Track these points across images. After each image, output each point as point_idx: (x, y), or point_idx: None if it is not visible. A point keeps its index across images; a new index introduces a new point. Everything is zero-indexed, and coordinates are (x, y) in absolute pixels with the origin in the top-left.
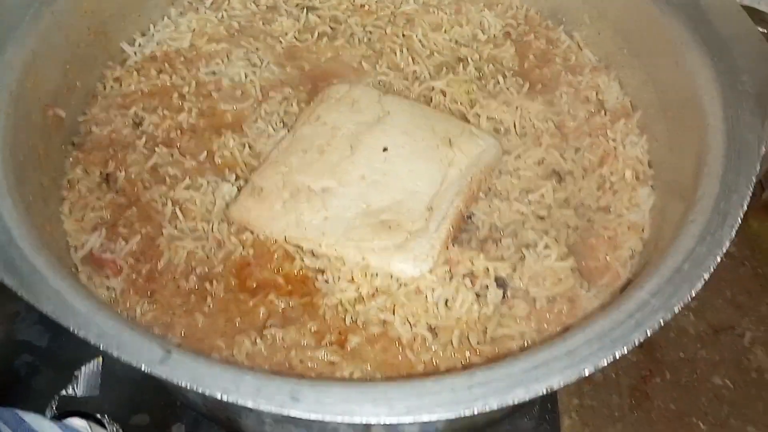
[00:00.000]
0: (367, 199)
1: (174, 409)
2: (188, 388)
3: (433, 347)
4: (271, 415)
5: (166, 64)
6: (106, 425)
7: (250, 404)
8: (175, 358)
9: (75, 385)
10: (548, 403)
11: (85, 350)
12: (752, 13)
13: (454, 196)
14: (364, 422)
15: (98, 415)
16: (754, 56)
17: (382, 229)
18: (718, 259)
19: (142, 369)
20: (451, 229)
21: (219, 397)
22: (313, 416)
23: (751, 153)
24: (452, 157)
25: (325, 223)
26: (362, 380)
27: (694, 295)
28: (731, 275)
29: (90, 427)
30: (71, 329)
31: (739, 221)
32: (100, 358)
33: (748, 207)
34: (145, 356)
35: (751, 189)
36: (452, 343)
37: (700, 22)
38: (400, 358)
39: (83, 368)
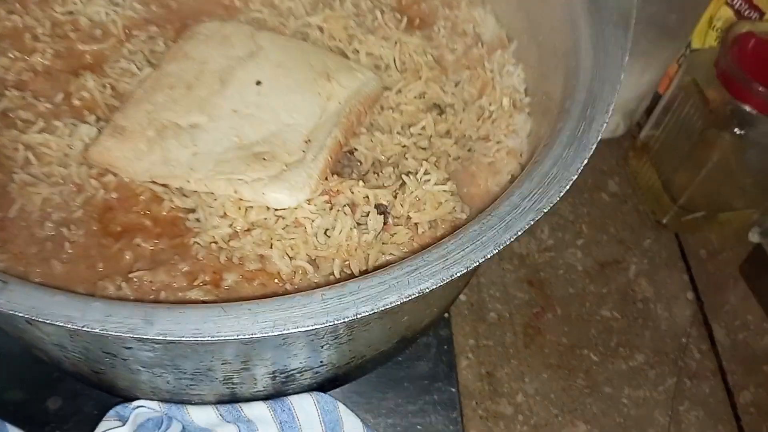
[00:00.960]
0: (240, 132)
1: (49, 383)
2: (27, 318)
3: (314, 279)
4: (139, 359)
5: (17, 5)
6: None
7: (97, 329)
8: (12, 287)
9: None
10: (444, 345)
11: None
12: None
13: (332, 127)
14: (225, 339)
15: None
16: None
17: (256, 161)
18: (585, 162)
19: None
20: (330, 159)
21: (62, 324)
22: (169, 338)
23: (615, 63)
24: (330, 91)
25: (194, 159)
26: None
27: (561, 195)
28: (615, 213)
29: None
30: None
31: (605, 125)
32: None
33: (627, 148)
34: None
35: (615, 95)
36: (334, 274)
37: None
38: (280, 293)
39: None
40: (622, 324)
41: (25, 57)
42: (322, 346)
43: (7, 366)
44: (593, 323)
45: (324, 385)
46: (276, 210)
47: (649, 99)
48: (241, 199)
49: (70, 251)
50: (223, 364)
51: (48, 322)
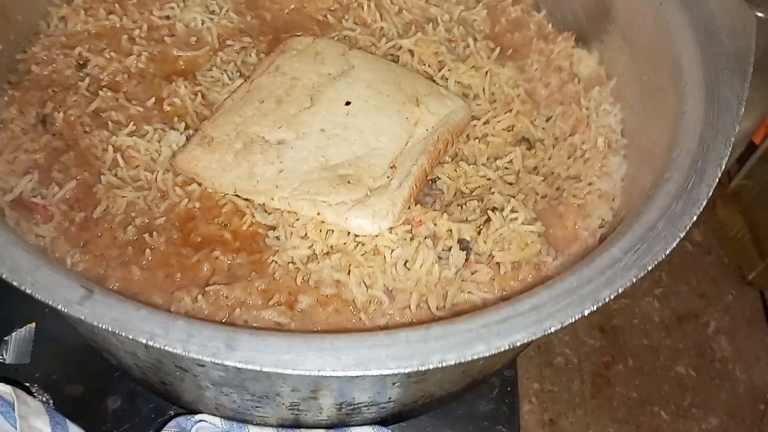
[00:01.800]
0: (326, 152)
1: (110, 381)
2: (110, 332)
3: (389, 311)
4: (209, 377)
5: (117, 5)
6: (35, 395)
7: (179, 350)
8: (97, 298)
9: (4, 352)
10: (508, 387)
11: (18, 315)
12: None
13: (419, 155)
14: (306, 374)
15: (27, 384)
16: (734, 19)
17: (341, 184)
18: (695, 218)
19: (60, 309)
20: (415, 188)
21: (145, 342)
22: (250, 366)
23: (730, 113)
24: (419, 116)
25: (279, 176)
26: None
27: (668, 253)
28: (697, 263)
29: (15, 393)
30: None
31: (717, 179)
32: (33, 324)
33: (716, 195)
34: (63, 295)
35: (730, 149)
36: (410, 308)
37: None
38: (353, 321)
39: (14, 334)
40: (697, 382)
41: (121, 58)
42: (393, 384)
43: (70, 358)
44: (666, 379)
45: (387, 419)
46: (357, 236)
47: (742, 147)
48: (323, 222)
49: (150, 258)
50: (292, 391)
51: (131, 338)
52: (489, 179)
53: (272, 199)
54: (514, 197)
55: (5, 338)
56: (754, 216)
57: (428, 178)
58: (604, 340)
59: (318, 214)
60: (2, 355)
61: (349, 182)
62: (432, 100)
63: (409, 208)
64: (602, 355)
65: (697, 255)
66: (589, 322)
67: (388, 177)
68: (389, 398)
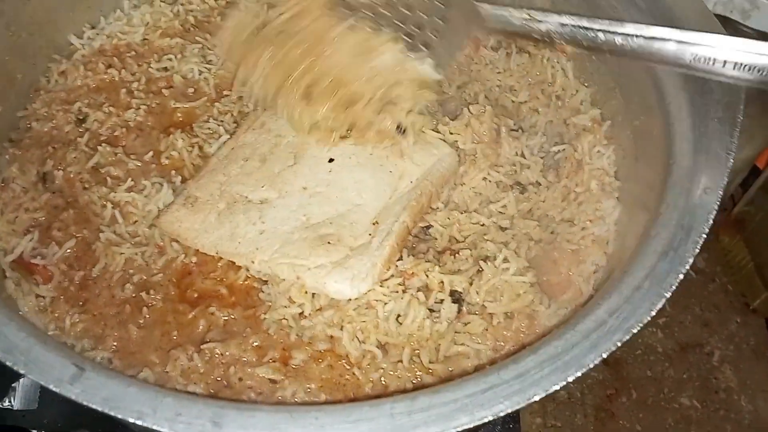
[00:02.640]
0: (308, 211)
1: (115, 427)
2: (101, 411)
3: (382, 365)
4: None
5: (116, 59)
6: None
7: (166, 429)
8: (88, 376)
9: (12, 398)
10: (510, 424)
11: None
12: (725, 22)
13: (401, 211)
14: None
15: (33, 430)
16: None
17: (320, 245)
18: (680, 277)
19: (52, 389)
20: (396, 245)
21: (133, 421)
22: None
23: (719, 165)
24: (403, 169)
25: (260, 237)
26: (302, 402)
27: (653, 315)
28: (701, 291)
29: None
30: None
31: (704, 237)
32: None
33: (719, 222)
34: (55, 375)
35: (718, 203)
36: (402, 362)
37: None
38: (347, 376)
39: (21, 381)
40: (702, 414)
41: (120, 112)
42: None
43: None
44: (671, 411)
45: None
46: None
47: (745, 173)
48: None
49: (147, 316)
50: None
51: (120, 417)
52: (482, 225)
53: (252, 262)
54: (506, 245)
55: (13, 385)
56: (757, 243)
57: (422, 225)
58: (607, 372)
59: (297, 278)
60: (10, 402)
61: (329, 242)
62: (417, 150)
63: (401, 259)
64: (605, 388)
65: (700, 283)
66: None
67: (370, 234)
68: None
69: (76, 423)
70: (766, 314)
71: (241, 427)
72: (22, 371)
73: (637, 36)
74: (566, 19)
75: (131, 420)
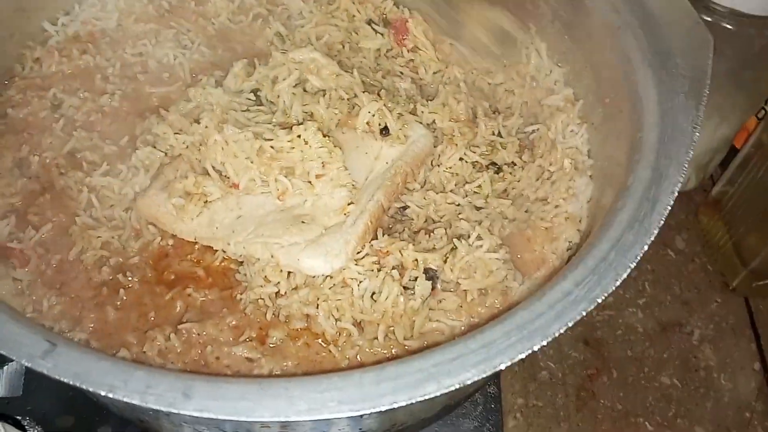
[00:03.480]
0: (284, 195)
1: (100, 412)
2: (72, 384)
3: (358, 343)
4: (181, 417)
5: (90, 45)
6: (27, 427)
7: (137, 401)
8: (60, 351)
9: None
10: (492, 404)
11: None
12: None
13: (375, 190)
14: (260, 421)
15: (18, 417)
16: (690, 40)
17: (294, 225)
18: (645, 248)
19: (24, 364)
20: (370, 224)
21: (104, 394)
22: (205, 415)
23: (684, 138)
24: (379, 149)
25: (237, 222)
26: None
27: (618, 285)
28: (681, 271)
29: (5, 428)
30: None
31: (669, 208)
32: None
33: (698, 203)
34: (27, 350)
35: (683, 175)
36: (378, 338)
37: (636, 4)
38: (323, 354)
39: (6, 368)
40: (682, 393)
41: (95, 98)
42: (362, 416)
43: (61, 391)
44: (651, 390)
45: None
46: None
47: (724, 152)
48: (278, 263)
49: (124, 298)
50: (262, 427)
51: (91, 390)
52: (458, 205)
53: (228, 244)
54: (480, 224)
55: None
56: (735, 222)
57: (398, 206)
58: (588, 352)
59: (272, 256)
60: None
61: (303, 222)
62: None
63: (377, 238)
64: (586, 368)
65: (680, 263)
66: (573, 334)
67: (345, 214)
68: (360, 429)
69: (61, 410)
70: (744, 294)
71: (211, 398)
72: None
73: None
74: None
75: (102, 393)
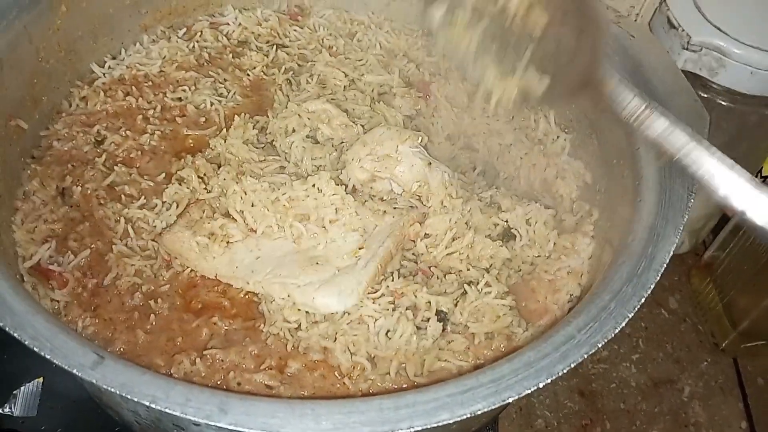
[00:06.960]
0: (300, 239)
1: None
2: (118, 394)
3: (371, 377)
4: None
5: (134, 87)
6: None
7: (177, 412)
8: (107, 364)
9: (12, 405)
10: None
11: (26, 370)
12: (694, 79)
13: (386, 238)
14: None
15: None
16: (688, 111)
17: (310, 266)
18: (643, 300)
19: (75, 373)
20: (380, 267)
21: (147, 404)
22: (240, 428)
23: (680, 203)
24: (387, 206)
25: (256, 262)
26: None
27: (617, 331)
28: (673, 330)
29: None
30: (5, 327)
31: (665, 265)
32: (41, 379)
33: (691, 266)
34: (78, 360)
35: (678, 236)
36: (390, 374)
37: (641, 80)
38: (338, 385)
39: (22, 388)
40: None
41: (135, 136)
42: None
43: (75, 412)
44: None
45: None
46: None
47: (716, 218)
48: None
49: (154, 323)
50: None
51: (136, 400)
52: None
53: (248, 283)
54: (488, 271)
55: (14, 392)
56: (725, 286)
57: (408, 249)
58: (583, 403)
59: (288, 296)
60: (10, 408)
61: (317, 263)
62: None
63: (393, 280)
64: (581, 418)
65: (673, 322)
66: (568, 385)
67: (357, 257)
68: None
69: (75, 430)
70: (734, 354)
71: (245, 413)
72: (48, 356)
73: None
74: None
75: (146, 403)
